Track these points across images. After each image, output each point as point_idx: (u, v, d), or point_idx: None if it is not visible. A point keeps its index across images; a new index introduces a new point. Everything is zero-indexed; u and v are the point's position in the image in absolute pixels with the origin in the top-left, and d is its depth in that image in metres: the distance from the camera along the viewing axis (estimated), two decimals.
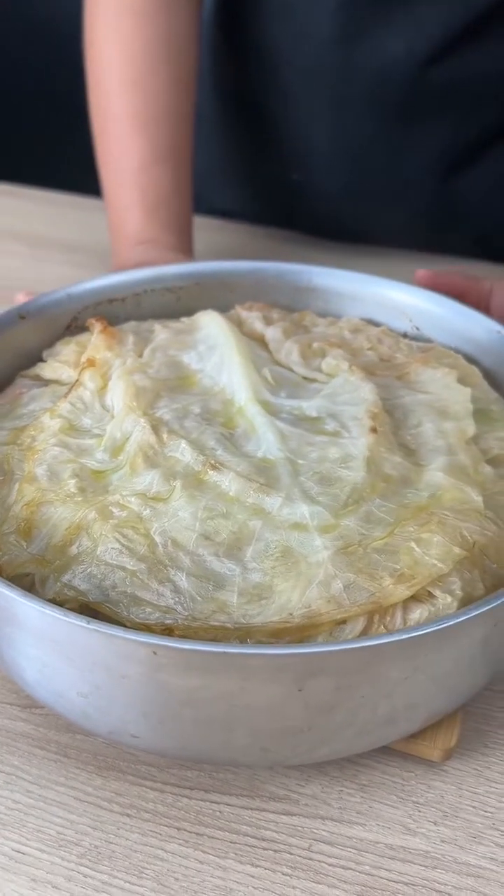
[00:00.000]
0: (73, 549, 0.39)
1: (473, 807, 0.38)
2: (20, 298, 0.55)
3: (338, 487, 0.41)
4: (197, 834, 0.37)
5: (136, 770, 0.39)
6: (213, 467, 0.41)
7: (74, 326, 0.55)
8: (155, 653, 0.33)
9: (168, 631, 0.36)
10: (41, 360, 0.52)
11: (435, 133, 0.70)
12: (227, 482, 0.41)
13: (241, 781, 0.39)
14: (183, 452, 0.42)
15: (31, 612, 0.34)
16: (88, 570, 0.38)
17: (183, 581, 0.37)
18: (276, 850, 0.37)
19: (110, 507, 0.40)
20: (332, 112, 0.71)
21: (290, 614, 0.36)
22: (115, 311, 0.55)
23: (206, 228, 0.78)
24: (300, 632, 0.36)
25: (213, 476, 0.41)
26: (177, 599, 0.37)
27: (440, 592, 0.37)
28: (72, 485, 0.41)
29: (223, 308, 0.55)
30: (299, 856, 0.36)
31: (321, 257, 0.74)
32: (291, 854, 0.37)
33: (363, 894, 0.35)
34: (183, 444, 0.43)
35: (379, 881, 0.36)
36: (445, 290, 0.54)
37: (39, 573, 0.38)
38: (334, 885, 0.36)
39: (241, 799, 0.38)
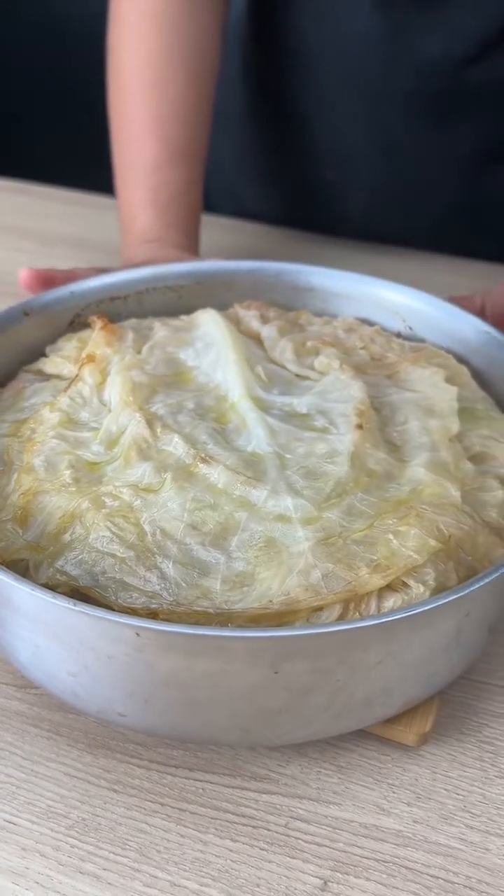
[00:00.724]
0: (67, 537, 0.41)
1: (446, 790, 0.40)
2: (23, 275, 0.57)
3: (322, 481, 0.42)
4: (180, 809, 0.39)
5: (124, 748, 0.41)
6: (204, 460, 0.43)
7: (77, 323, 0.56)
8: (138, 634, 0.35)
9: (153, 615, 0.37)
10: (44, 355, 0.54)
11: (469, 133, 0.71)
12: (216, 475, 0.42)
13: (224, 761, 0.41)
14: (175, 446, 0.44)
15: (24, 595, 0.36)
16: (80, 557, 0.40)
17: (169, 568, 0.39)
18: (254, 827, 0.38)
19: (103, 497, 0.42)
20: (368, 112, 0.73)
21: (270, 601, 0.37)
22: (117, 308, 0.57)
23: (215, 227, 0.79)
24: (278, 618, 0.38)
25: (202, 469, 0.43)
26: (163, 585, 0.38)
27: (414, 582, 0.38)
28: (67, 475, 0.43)
29: (223, 306, 0.57)
30: (276, 832, 0.38)
31: (327, 257, 0.76)
32: (269, 830, 0.38)
33: (336, 869, 0.37)
34: (176, 438, 0.44)
35: (352, 857, 0.37)
36: None
37: (34, 559, 0.40)
38: (308, 860, 0.37)
39: (224, 777, 0.40)
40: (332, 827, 0.38)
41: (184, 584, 0.38)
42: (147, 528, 0.41)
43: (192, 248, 0.66)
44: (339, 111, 0.74)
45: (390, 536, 0.40)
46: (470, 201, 0.74)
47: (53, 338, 0.55)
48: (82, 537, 0.40)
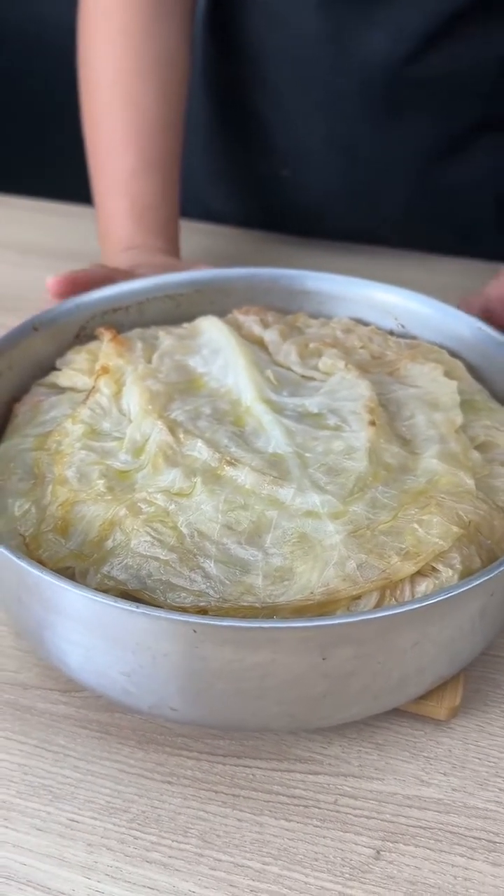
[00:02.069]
0: (109, 543, 0.42)
1: (479, 758, 0.43)
2: (51, 283, 0.57)
3: (344, 477, 0.45)
4: (234, 795, 0.41)
5: (173, 742, 0.43)
6: (229, 463, 0.45)
7: (83, 335, 0.58)
8: (195, 631, 0.37)
9: (202, 612, 0.39)
10: (54, 368, 0.56)
11: (421, 127, 0.74)
12: (243, 476, 0.45)
13: (269, 746, 0.43)
14: (200, 451, 0.46)
15: (81, 600, 0.38)
16: (125, 562, 0.41)
17: (212, 567, 0.41)
18: (305, 806, 0.41)
19: (139, 504, 0.43)
20: (319, 111, 0.75)
21: (312, 593, 0.40)
22: (119, 319, 0.59)
23: (197, 232, 0.81)
24: (320, 608, 0.40)
25: (229, 471, 0.45)
26: (208, 584, 0.40)
27: (442, 567, 0.41)
28: (101, 485, 0.45)
29: (220, 312, 0.59)
30: (327, 809, 0.41)
31: (308, 258, 0.78)
32: (320, 808, 0.41)
33: (386, 839, 0.39)
34: (199, 443, 0.46)
35: (399, 827, 0.40)
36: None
37: (79, 566, 0.42)
38: (360, 832, 0.40)
39: (271, 762, 0.42)
40: (377, 800, 0.41)
41: (227, 582, 0.40)
42: (185, 530, 0.42)
43: (173, 252, 0.68)
44: (292, 111, 0.77)
45: (415, 526, 0.42)
46: (428, 195, 0.77)
47: (61, 351, 0.57)
48: (124, 543, 0.42)
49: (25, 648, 0.47)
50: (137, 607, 0.36)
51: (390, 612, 0.37)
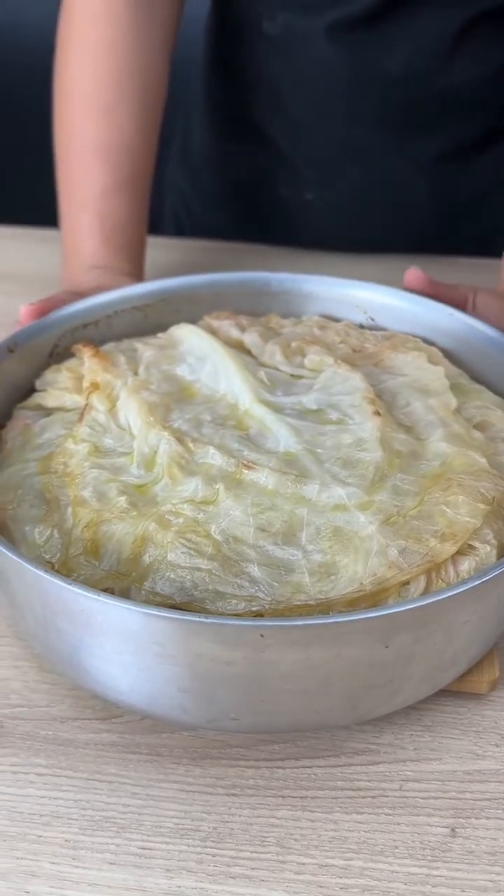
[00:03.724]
0: (146, 559, 0.41)
1: None
2: (25, 311, 0.55)
3: (361, 468, 0.45)
4: (301, 797, 0.41)
5: (228, 754, 0.42)
6: (247, 467, 0.45)
7: (55, 354, 0.56)
8: (262, 635, 0.36)
9: (258, 616, 0.39)
10: (32, 390, 0.54)
11: (438, 136, 0.75)
12: (264, 478, 0.44)
13: (323, 744, 0.43)
14: (213, 457, 0.46)
15: (135, 617, 0.36)
16: (167, 576, 0.40)
17: (256, 571, 0.41)
18: (373, 797, 0.41)
19: (167, 517, 0.43)
20: (340, 132, 0.75)
21: (361, 584, 0.40)
22: (89, 334, 0.57)
23: (159, 247, 0.80)
24: (372, 598, 0.40)
25: (248, 475, 0.45)
26: (256, 588, 0.40)
27: (479, 543, 0.42)
28: (122, 501, 0.43)
29: (187, 320, 0.58)
30: (394, 797, 0.41)
31: (277, 264, 0.78)
32: (387, 797, 0.41)
33: (457, 816, 0.40)
34: (210, 449, 0.46)
35: (466, 803, 0.41)
36: (431, 295, 0.58)
37: (118, 586, 0.41)
38: (431, 814, 0.40)
39: (329, 759, 0.42)
40: (440, 780, 0.42)
41: (275, 584, 0.40)
42: (219, 537, 0.42)
43: (137, 275, 0.67)
44: (310, 136, 0.77)
45: (443, 507, 0.43)
46: (446, 203, 0.78)
47: (36, 372, 0.55)
48: (161, 557, 0.41)
49: (52, 681, 0.45)
50: (207, 618, 0.36)
51: (454, 592, 0.37)
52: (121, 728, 0.43)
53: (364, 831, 0.40)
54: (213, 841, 0.39)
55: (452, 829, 0.40)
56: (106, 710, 0.44)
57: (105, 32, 0.67)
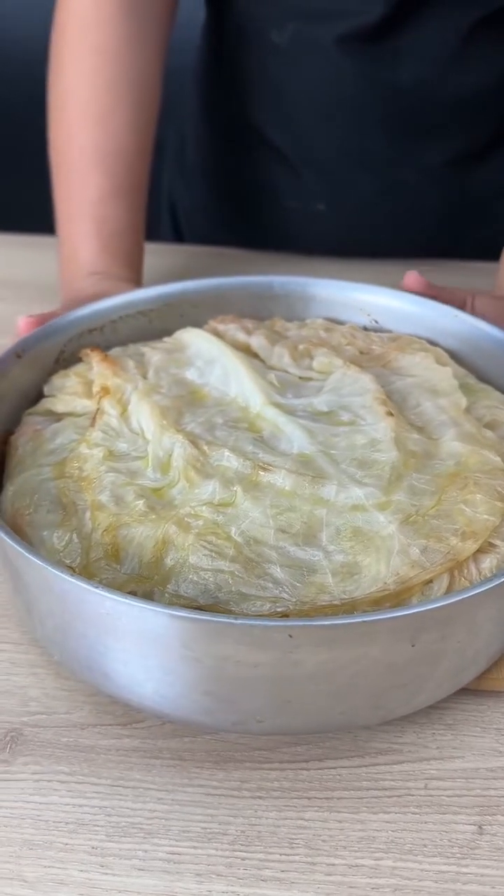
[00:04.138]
0: (168, 562, 0.41)
1: None
2: (23, 323, 0.55)
3: (377, 469, 0.45)
4: (327, 798, 0.41)
5: (252, 756, 0.42)
6: (263, 469, 0.45)
7: (62, 360, 0.56)
8: (291, 636, 0.36)
9: (284, 617, 0.39)
10: (40, 396, 0.53)
11: (446, 145, 0.75)
12: (281, 480, 0.44)
13: (346, 745, 0.43)
14: (228, 459, 0.46)
15: (161, 619, 0.36)
16: (190, 578, 0.40)
17: (278, 572, 0.41)
18: (399, 796, 0.41)
19: (186, 519, 0.42)
20: (349, 142, 0.75)
21: (385, 583, 0.40)
22: (94, 339, 0.57)
23: (159, 253, 0.80)
24: (396, 597, 0.40)
25: (265, 477, 0.44)
26: (280, 589, 0.40)
27: (499, 541, 0.42)
28: (141, 505, 0.43)
29: (192, 324, 0.58)
30: (419, 795, 0.41)
31: (277, 269, 0.78)
32: (413, 795, 0.41)
33: (484, 813, 0.40)
34: (226, 452, 0.46)
35: (492, 800, 0.41)
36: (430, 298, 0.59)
37: (141, 589, 0.40)
38: (457, 812, 0.40)
39: (353, 759, 0.42)
40: (464, 778, 0.42)
41: (298, 584, 0.40)
42: (239, 539, 0.42)
43: (136, 280, 0.67)
44: (319, 146, 0.77)
45: (462, 506, 0.43)
46: (456, 207, 0.79)
47: (42, 378, 0.54)
48: (182, 560, 0.41)
49: (71, 688, 0.45)
50: (236, 619, 0.35)
51: (481, 589, 0.37)
52: (142, 733, 0.43)
53: (392, 831, 0.39)
54: (241, 844, 0.39)
55: (479, 827, 0.40)
56: (127, 715, 0.44)
57: (98, 39, 0.67)
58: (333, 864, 0.38)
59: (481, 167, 0.77)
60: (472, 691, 0.45)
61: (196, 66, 0.84)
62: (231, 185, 0.85)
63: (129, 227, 0.66)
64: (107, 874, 0.37)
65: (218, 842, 0.39)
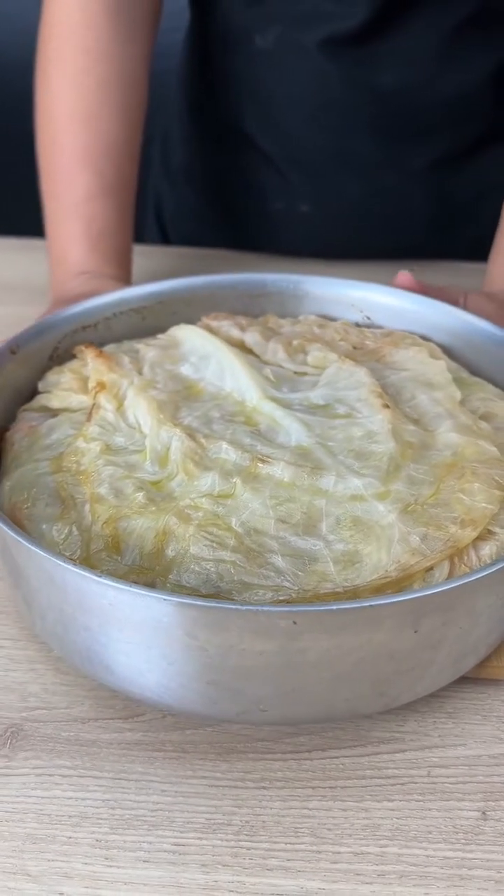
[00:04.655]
0: (169, 553, 0.41)
1: None
2: None
3: (375, 459, 0.46)
4: (331, 788, 0.41)
5: (254, 747, 0.42)
6: (262, 461, 0.45)
7: (55, 356, 0.56)
8: (295, 622, 0.36)
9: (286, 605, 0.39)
10: (35, 393, 0.53)
11: (431, 146, 0.76)
12: (280, 471, 0.44)
13: (348, 734, 0.43)
14: (227, 452, 0.46)
15: (166, 607, 0.36)
16: (192, 568, 0.40)
17: (279, 561, 0.41)
18: (402, 784, 0.41)
19: (186, 511, 0.42)
20: (335, 144, 0.76)
21: (387, 571, 0.40)
22: (88, 336, 0.57)
23: (148, 255, 0.80)
24: (397, 584, 0.40)
25: (263, 469, 0.45)
26: (282, 577, 0.40)
27: (498, 528, 0.43)
28: (140, 497, 0.43)
29: (185, 321, 0.59)
30: (423, 783, 0.41)
31: (268, 269, 0.79)
32: (416, 783, 0.41)
33: (487, 799, 0.40)
34: (224, 444, 0.46)
35: (494, 786, 0.41)
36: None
37: (143, 580, 0.40)
38: (461, 798, 0.40)
39: (355, 748, 0.42)
40: (467, 765, 0.42)
41: (300, 573, 0.40)
42: (240, 530, 0.42)
43: (125, 279, 0.67)
44: (305, 148, 0.77)
45: (460, 495, 0.44)
46: (442, 209, 0.79)
47: (36, 374, 0.54)
48: (184, 550, 0.41)
49: (71, 682, 0.45)
50: (241, 605, 0.35)
51: (481, 574, 0.38)
52: (144, 726, 0.43)
53: (396, 818, 0.39)
54: (246, 834, 0.39)
55: (483, 813, 0.40)
56: (127, 709, 0.43)
57: (86, 41, 0.67)
58: (339, 853, 0.38)
59: (466, 168, 0.78)
60: (472, 680, 0.45)
61: (180, 69, 0.85)
62: (217, 186, 0.85)
63: (118, 225, 0.66)
64: (111, 866, 0.37)
65: (223, 832, 0.39)
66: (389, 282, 0.61)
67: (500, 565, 0.38)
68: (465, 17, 0.70)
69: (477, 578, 0.38)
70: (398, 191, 0.78)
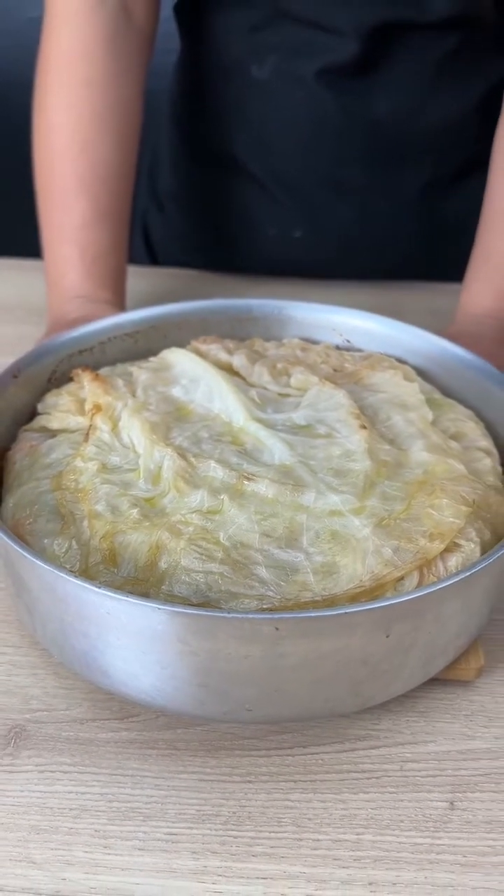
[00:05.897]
0: (162, 565, 0.44)
1: None
2: None
3: (352, 477, 0.49)
4: (311, 781, 0.44)
5: (241, 745, 0.45)
6: (248, 479, 0.48)
7: (54, 379, 0.59)
8: (277, 628, 0.39)
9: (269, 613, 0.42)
10: (34, 414, 0.57)
11: (422, 172, 0.80)
12: (264, 488, 0.48)
13: (328, 732, 0.46)
14: (215, 470, 0.49)
15: (160, 616, 0.39)
16: (182, 579, 0.44)
17: (264, 572, 0.44)
18: (377, 777, 0.44)
19: (177, 526, 0.46)
20: (328, 170, 0.79)
21: (361, 580, 0.44)
22: (84, 360, 0.61)
23: (140, 276, 0.83)
24: (371, 593, 0.44)
25: (249, 486, 0.48)
26: (266, 587, 0.43)
27: (464, 541, 0.46)
28: (135, 513, 0.47)
29: (175, 344, 0.62)
30: (396, 776, 0.44)
31: (254, 291, 0.83)
32: (389, 777, 0.44)
33: (455, 791, 0.44)
34: (212, 463, 0.49)
35: (462, 779, 0.44)
36: None
37: (138, 590, 0.44)
38: (431, 790, 0.44)
39: (334, 745, 0.46)
40: (437, 760, 0.45)
41: (282, 583, 0.44)
42: (227, 543, 0.45)
43: (118, 303, 0.70)
44: (299, 174, 0.81)
45: (430, 510, 0.47)
46: (430, 231, 0.83)
47: (36, 396, 0.58)
48: (175, 563, 0.44)
49: (70, 686, 0.48)
50: (230, 613, 0.39)
51: (445, 584, 0.41)
52: (138, 726, 0.46)
53: (371, 808, 0.43)
54: (233, 824, 0.42)
55: (451, 803, 0.43)
56: (123, 710, 0.47)
57: (85, 72, 0.71)
58: (318, 840, 0.42)
59: (455, 193, 0.82)
60: (441, 681, 0.49)
61: (172, 95, 0.88)
62: (208, 211, 0.88)
63: (112, 250, 0.69)
64: (110, 854, 0.41)
65: (212, 822, 0.42)
66: (374, 305, 0.65)
67: (465, 575, 0.42)
68: (450, 50, 0.74)
69: (444, 587, 0.41)
70: (389, 214, 0.82)
